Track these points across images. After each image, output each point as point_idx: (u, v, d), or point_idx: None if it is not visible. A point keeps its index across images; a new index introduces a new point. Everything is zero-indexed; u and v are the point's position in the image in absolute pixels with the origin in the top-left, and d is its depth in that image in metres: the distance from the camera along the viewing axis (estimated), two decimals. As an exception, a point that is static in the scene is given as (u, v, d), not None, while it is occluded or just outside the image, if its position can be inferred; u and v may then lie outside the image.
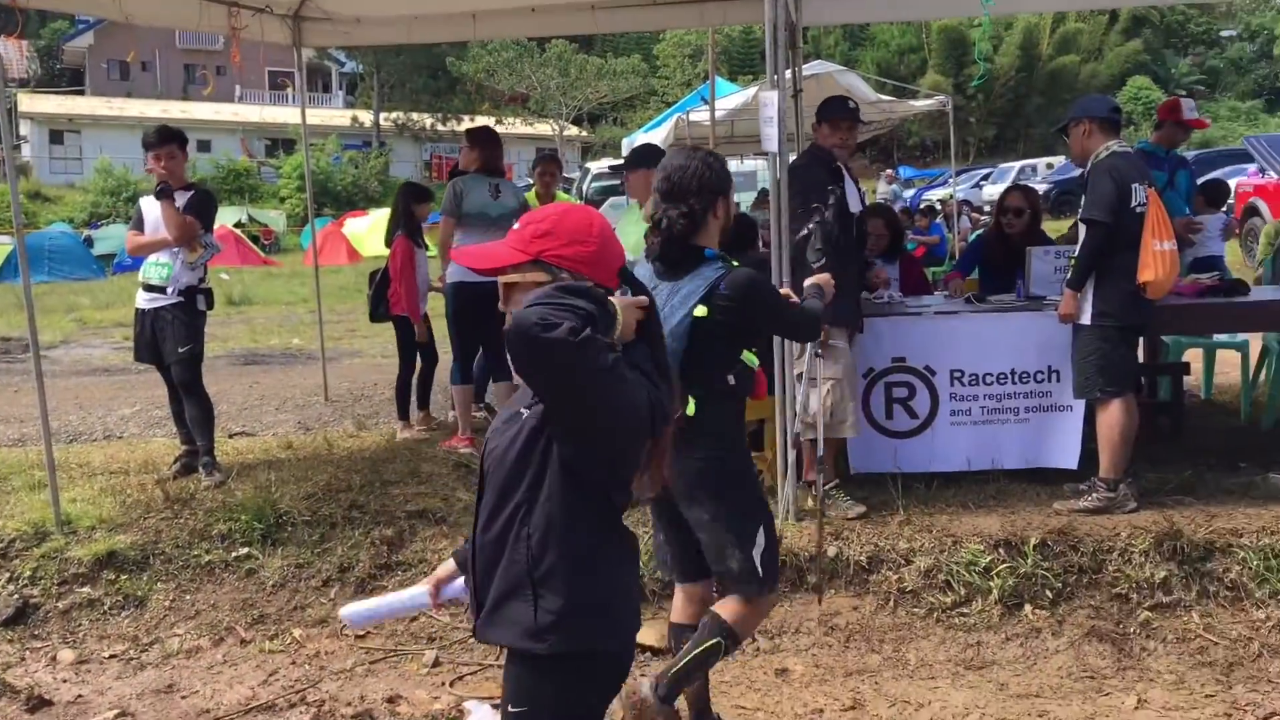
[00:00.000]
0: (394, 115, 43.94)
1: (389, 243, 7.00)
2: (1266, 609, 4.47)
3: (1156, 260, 4.79)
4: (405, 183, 7.80)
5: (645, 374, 2.14)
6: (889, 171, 24.55)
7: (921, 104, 16.67)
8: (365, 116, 45.59)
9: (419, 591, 2.53)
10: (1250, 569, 4.56)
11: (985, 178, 32.07)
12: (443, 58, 42.41)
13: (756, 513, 3.31)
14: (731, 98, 14.56)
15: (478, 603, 2.24)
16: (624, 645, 2.30)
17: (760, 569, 3.24)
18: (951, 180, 22.10)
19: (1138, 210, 4.84)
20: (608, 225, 2.26)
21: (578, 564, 2.14)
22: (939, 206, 17.94)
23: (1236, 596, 4.54)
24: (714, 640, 3.25)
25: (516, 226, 2.23)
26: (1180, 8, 47.93)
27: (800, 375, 5.15)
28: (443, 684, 4.31)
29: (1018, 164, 32.59)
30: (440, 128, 42.11)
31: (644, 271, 3.31)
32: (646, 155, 6.00)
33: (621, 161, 20.44)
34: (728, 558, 3.24)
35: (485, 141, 6.65)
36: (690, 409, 3.10)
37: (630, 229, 5.65)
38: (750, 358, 3.24)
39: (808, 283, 3.67)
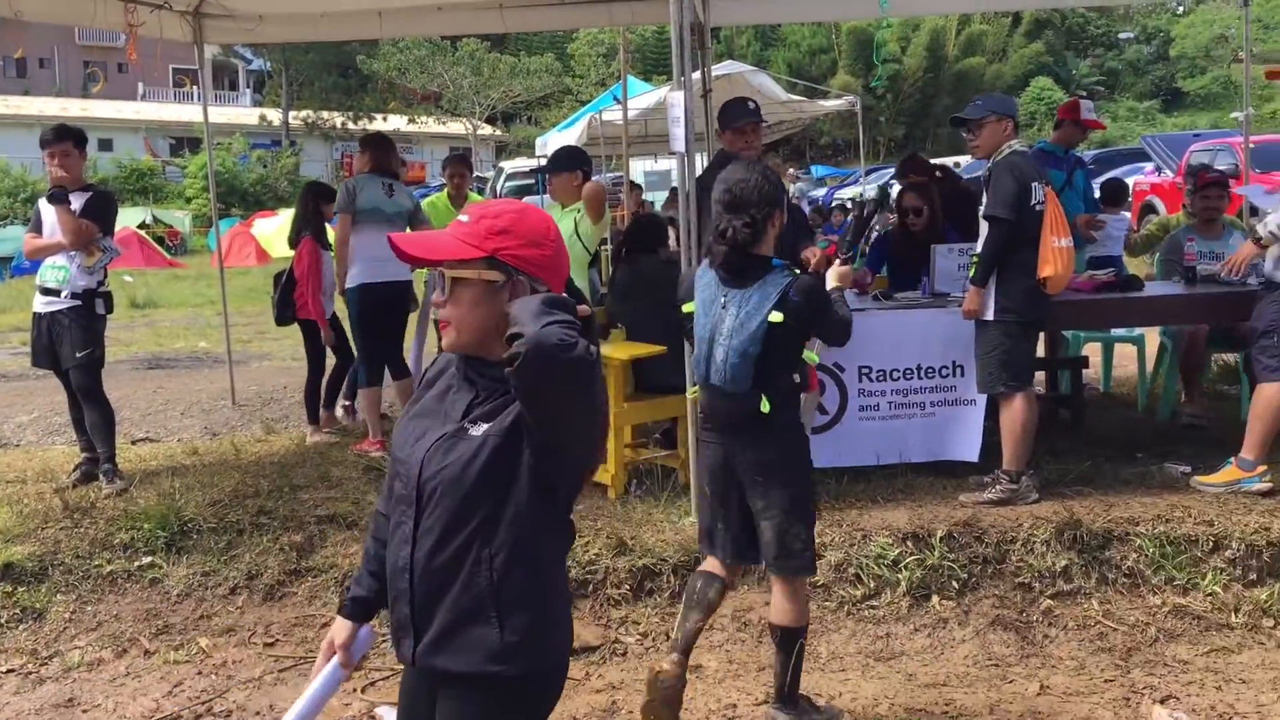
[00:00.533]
0: (303, 114, 43.21)
1: (294, 244, 6.89)
2: (1162, 595, 4.62)
3: (1055, 256, 4.93)
4: (310, 182, 7.69)
5: None
6: (790, 170, 24.79)
7: (831, 104, 16.90)
8: (274, 115, 44.75)
9: (331, 669, 2.29)
10: (1147, 556, 4.70)
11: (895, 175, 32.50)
12: (353, 56, 41.83)
13: (812, 500, 3.68)
14: (644, 97, 14.58)
15: (415, 630, 2.09)
16: (568, 659, 2.24)
17: (813, 552, 3.62)
18: (862, 179, 22.42)
19: (1037, 208, 4.97)
20: (560, 230, 2.19)
21: (543, 580, 2.07)
22: (849, 205, 18.18)
23: (1134, 583, 4.68)
24: (798, 644, 3.63)
25: (465, 219, 2.10)
26: (1080, 11, 49.24)
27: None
28: (354, 690, 4.26)
29: (933, 162, 33.11)
30: (351, 126, 41.52)
31: (708, 278, 3.51)
32: (570, 158, 6.02)
33: (536, 161, 20.38)
34: (791, 540, 3.50)
35: (376, 145, 6.64)
36: (765, 407, 3.40)
37: None
38: (811, 356, 3.65)
39: (832, 286, 3.72)
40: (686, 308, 3.63)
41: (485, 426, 2.04)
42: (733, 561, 3.73)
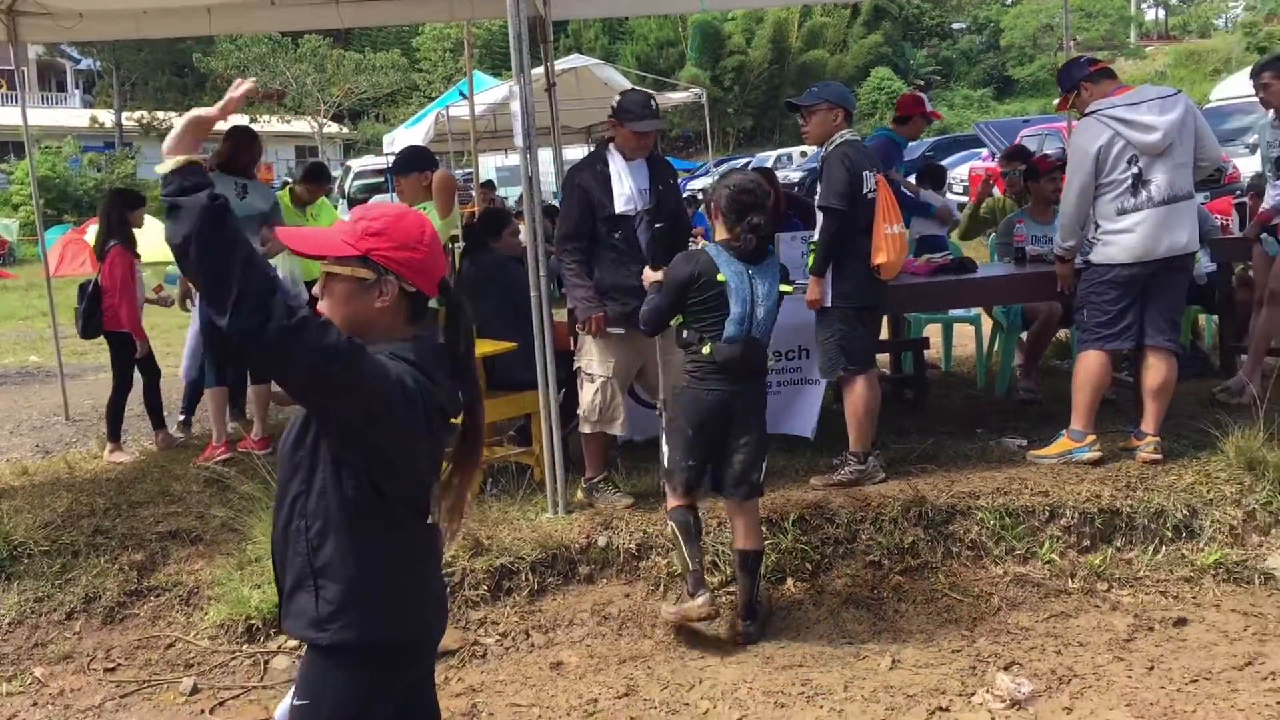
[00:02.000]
0: (138, 115, 41.43)
1: (101, 255, 6.52)
2: (1004, 565, 4.80)
3: (888, 243, 5.06)
4: (114, 189, 7.35)
5: (423, 370, 2.13)
6: None
7: (678, 96, 17.06)
8: (106, 116, 42.79)
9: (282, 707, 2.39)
10: (988, 528, 4.88)
11: (744, 165, 33.08)
12: (189, 53, 40.31)
13: None
14: (492, 91, 14.46)
15: (280, 595, 2.27)
16: (417, 638, 2.31)
17: None
18: (712, 170, 22.69)
19: (869, 196, 5.09)
20: (437, 235, 2.28)
21: (357, 557, 2.14)
22: (700, 197, 18.36)
23: (977, 555, 4.86)
24: (760, 563, 4.45)
25: (348, 218, 2.25)
26: (915, 2, 50.82)
27: (577, 369, 5.20)
28: (202, 712, 4.11)
29: (774, 153, 33.79)
30: (189, 127, 39.91)
31: (724, 257, 4.24)
32: (417, 159, 5.91)
33: (385, 159, 20.00)
34: (754, 469, 4.32)
35: (237, 140, 6.38)
36: (771, 361, 4.67)
37: None
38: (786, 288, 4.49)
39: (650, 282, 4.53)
40: (720, 277, 4.21)
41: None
42: (707, 493, 4.47)
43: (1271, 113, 6.32)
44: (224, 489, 5.43)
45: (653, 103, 5.21)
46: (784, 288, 4.34)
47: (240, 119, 30.60)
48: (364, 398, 2.02)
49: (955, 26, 55.18)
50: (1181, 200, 5.17)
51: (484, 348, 5.50)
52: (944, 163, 13.24)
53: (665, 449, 4.45)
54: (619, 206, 5.07)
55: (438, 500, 2.30)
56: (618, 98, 5.27)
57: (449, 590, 4.65)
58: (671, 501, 4.40)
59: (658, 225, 4.87)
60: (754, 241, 4.25)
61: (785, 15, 45.78)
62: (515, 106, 4.74)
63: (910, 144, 7.93)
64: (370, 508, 2.14)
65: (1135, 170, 5.12)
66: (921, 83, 49.90)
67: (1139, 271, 5.18)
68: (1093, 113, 5.23)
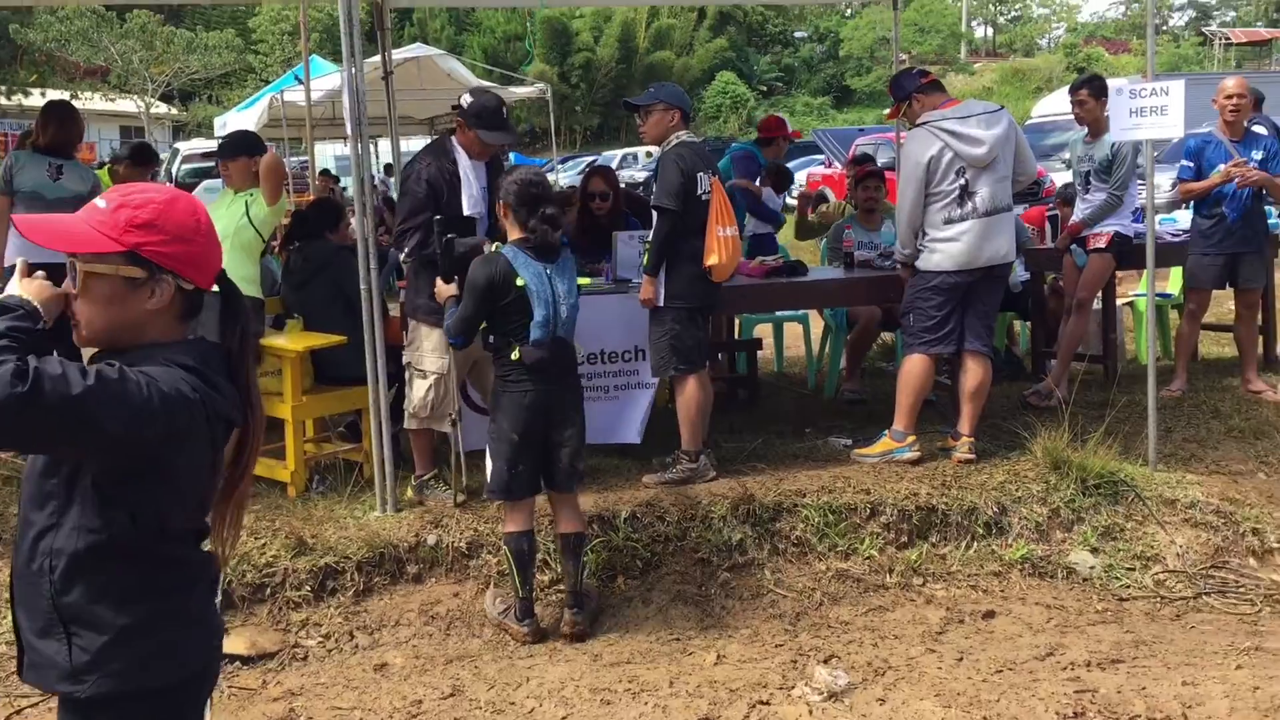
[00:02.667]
0: (-54, 87, 38.84)
1: None
2: (826, 561, 4.93)
3: (720, 245, 5.13)
4: None
5: (204, 376, 1.86)
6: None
7: (522, 91, 16.94)
8: (-91, 87, 39.98)
9: None
10: (813, 525, 5.00)
11: (590, 164, 33.16)
12: (4, 24, 37.98)
13: None
14: (330, 77, 14.02)
15: (19, 640, 1.93)
16: (193, 673, 2.00)
17: None
18: (557, 167, 22.67)
19: (703, 198, 5.16)
20: (211, 220, 1.99)
21: (120, 598, 1.86)
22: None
23: (802, 551, 4.97)
24: (585, 546, 4.52)
25: (103, 204, 1.89)
26: (759, 9, 51.80)
27: (408, 365, 5.09)
28: (-4, 723, 3.87)
29: (620, 151, 33.95)
30: (4, 102, 37.71)
31: (522, 258, 4.19)
32: (245, 143, 5.68)
33: (215, 143, 19.25)
34: (579, 459, 4.43)
35: (55, 118, 6.04)
36: (581, 353, 4.65)
37: (222, 213, 5.33)
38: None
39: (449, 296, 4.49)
40: (519, 282, 4.17)
41: None
42: (530, 495, 4.39)
43: (1085, 129, 6.68)
44: (12, 481, 5.13)
45: (504, 109, 5.05)
46: (582, 281, 4.40)
47: (61, 95, 28.89)
48: (140, 431, 1.73)
49: (797, 35, 56.53)
50: (1003, 212, 5.41)
51: (311, 341, 5.36)
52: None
53: (490, 463, 4.39)
54: (467, 208, 4.95)
55: (214, 521, 2.04)
56: (467, 97, 5.03)
57: (268, 591, 4.51)
58: (509, 524, 4.37)
59: (448, 236, 4.55)
60: (549, 234, 4.23)
61: (633, 15, 46.06)
62: (345, 95, 4.62)
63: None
64: (142, 543, 1.87)
65: (962, 181, 5.32)
66: (764, 88, 51.00)
67: (962, 279, 5.40)
68: (924, 124, 5.41)
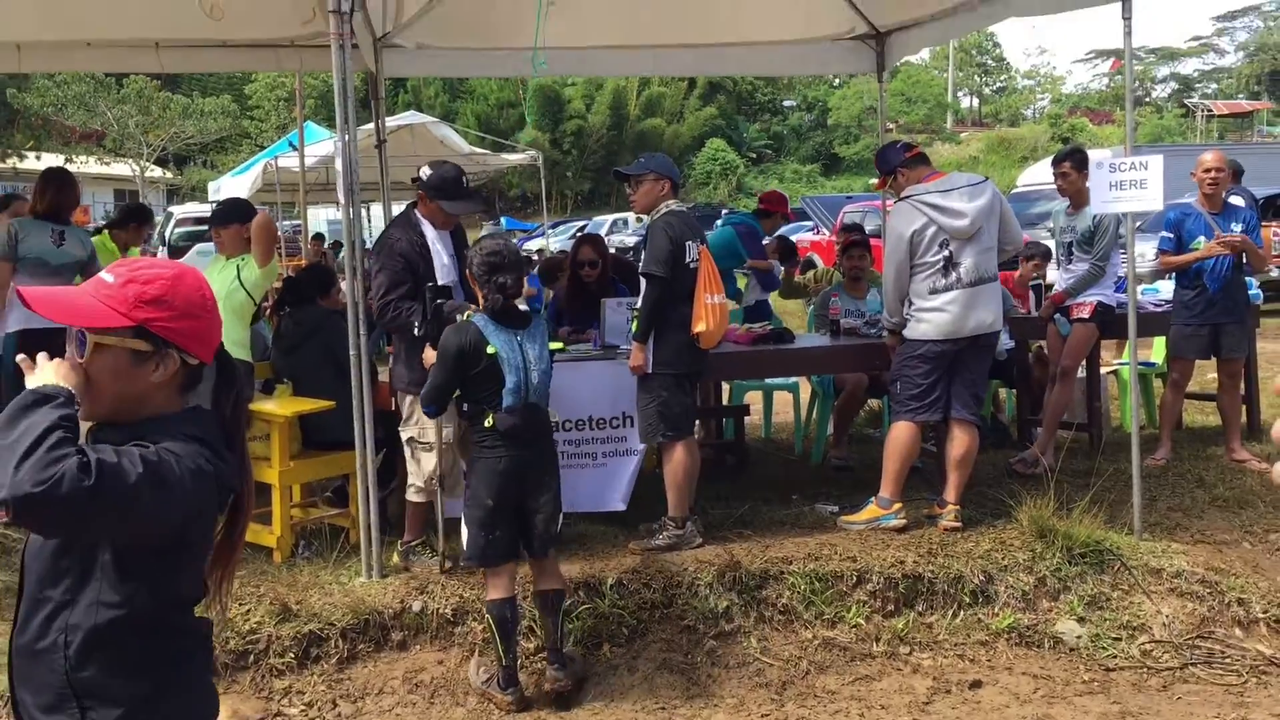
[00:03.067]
0: (-58, 148, 39.04)
1: None
2: (813, 629, 4.91)
3: (708, 312, 5.18)
4: None
5: (211, 446, 1.91)
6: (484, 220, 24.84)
7: (514, 158, 17.16)
8: (-93, 149, 40.16)
9: None
10: (799, 593, 4.99)
11: (582, 229, 33.44)
12: (2, 88, 38.35)
13: None
14: (324, 144, 14.22)
15: (18, 718, 1.93)
16: None
17: None
18: (548, 232, 22.85)
19: (691, 265, 5.22)
20: (214, 296, 2.05)
21: (133, 667, 1.88)
22: (535, 257, 18.44)
23: (788, 619, 4.95)
24: (563, 603, 4.48)
25: (110, 279, 1.92)
26: (748, 79, 52.62)
27: (410, 440, 5.08)
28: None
29: (610, 217, 34.24)
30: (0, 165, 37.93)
31: (492, 327, 4.24)
32: (237, 211, 5.75)
33: (210, 207, 19.40)
34: (556, 523, 4.42)
35: (55, 184, 6.12)
36: (556, 416, 4.73)
37: (214, 278, 5.38)
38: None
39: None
40: (490, 350, 4.21)
41: None
42: (515, 556, 4.40)
43: (1067, 200, 6.79)
44: (9, 553, 5.11)
45: (465, 179, 5.15)
46: (554, 345, 4.40)
47: (56, 159, 28.99)
48: (178, 513, 1.80)
49: (786, 104, 57.39)
50: (988, 282, 5.48)
51: (300, 406, 5.37)
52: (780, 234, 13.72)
53: (466, 532, 4.39)
54: (440, 278, 5.01)
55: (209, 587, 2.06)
56: (427, 170, 5.12)
57: (251, 658, 4.48)
58: (490, 592, 4.35)
59: (438, 302, 4.66)
60: (500, 301, 4.27)
61: (624, 84, 46.76)
62: (338, 163, 4.68)
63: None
64: (159, 615, 1.90)
65: (946, 253, 5.40)
66: (754, 155, 51.59)
67: (948, 348, 5.45)
68: (908, 198, 5.50)
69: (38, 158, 37.18)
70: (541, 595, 4.44)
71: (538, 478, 4.36)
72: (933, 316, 5.43)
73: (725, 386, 7.64)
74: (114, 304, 1.89)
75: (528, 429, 4.30)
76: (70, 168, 35.33)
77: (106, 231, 7.62)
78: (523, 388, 4.27)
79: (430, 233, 5.06)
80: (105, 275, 1.95)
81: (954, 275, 5.40)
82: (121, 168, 40.85)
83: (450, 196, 5.04)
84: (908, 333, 5.54)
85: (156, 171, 42.85)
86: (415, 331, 4.76)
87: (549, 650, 4.41)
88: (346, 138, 4.84)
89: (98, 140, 40.47)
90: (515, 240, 29.13)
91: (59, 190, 6.05)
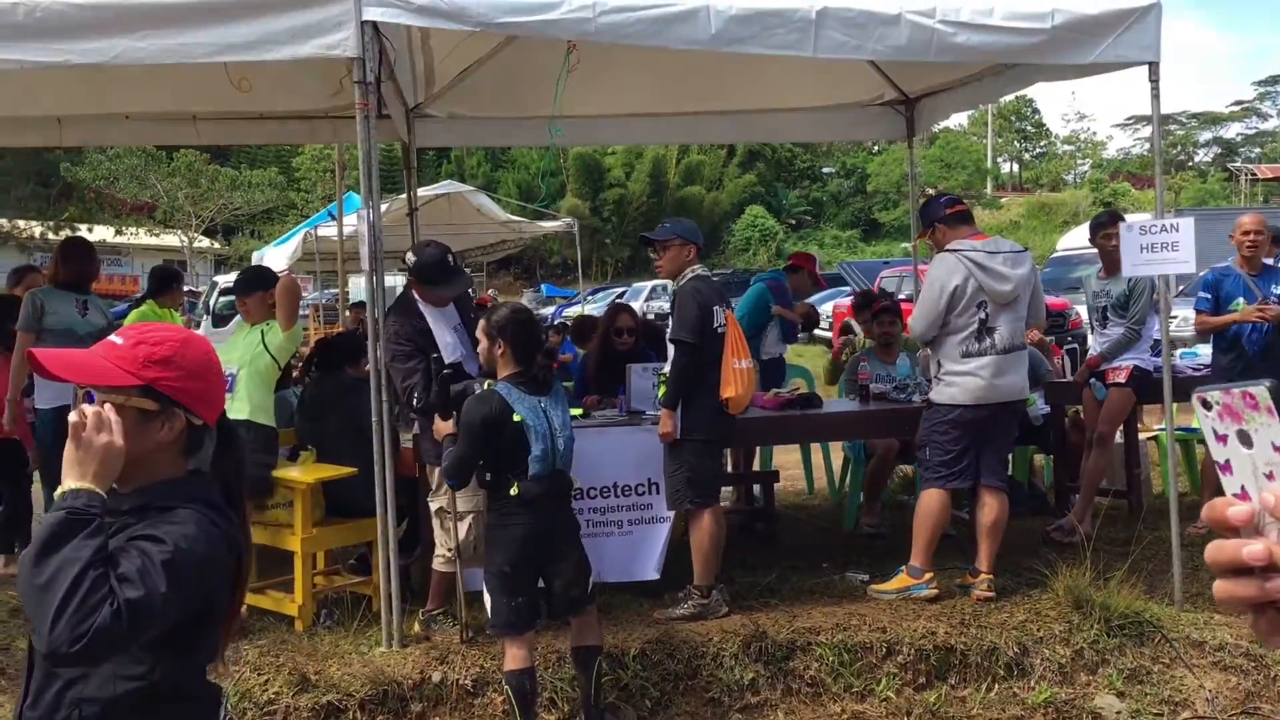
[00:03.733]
0: (-2, 222, 40.01)
1: None
2: (841, 702, 4.78)
3: (736, 377, 5.14)
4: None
5: (212, 505, 1.95)
6: (491, 291, 24.86)
7: (550, 225, 17.30)
8: (-35, 224, 41.19)
9: None
10: (827, 665, 4.87)
11: (620, 296, 33.55)
12: (56, 162, 39.37)
13: None
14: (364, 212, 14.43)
15: None
16: None
17: None
18: (586, 299, 22.97)
19: (719, 330, 5.19)
20: (219, 361, 2.12)
21: None
22: (568, 324, 18.50)
23: (816, 692, 4.83)
24: (598, 660, 4.40)
25: (120, 341, 1.98)
26: (788, 145, 52.99)
27: (440, 510, 5.05)
28: None
29: (649, 283, 34.33)
30: (52, 236, 38.81)
31: (515, 394, 4.18)
32: (260, 278, 5.83)
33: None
34: (586, 581, 4.33)
35: (76, 255, 6.21)
36: (576, 482, 4.50)
37: (239, 344, 5.50)
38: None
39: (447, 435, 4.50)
40: (516, 418, 4.15)
41: None
42: (539, 622, 4.38)
43: (1099, 265, 6.70)
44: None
45: (450, 257, 5.19)
46: (575, 411, 4.34)
47: (108, 231, 29.51)
48: (204, 597, 1.88)
49: (825, 171, 57.65)
50: (1019, 349, 5.40)
51: (323, 473, 5.36)
52: (812, 299, 13.71)
53: (489, 600, 4.30)
54: (448, 357, 5.01)
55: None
56: (411, 256, 5.17)
57: (270, 730, 4.42)
58: (509, 662, 4.25)
59: (444, 372, 4.65)
60: (548, 368, 4.33)
61: (664, 152, 47.22)
62: (363, 229, 4.72)
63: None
64: (176, 684, 1.92)
65: (983, 315, 5.31)
66: (793, 221, 51.75)
67: (978, 414, 5.36)
68: (954, 251, 5.41)
69: (89, 230, 38.10)
70: (575, 651, 4.39)
71: (556, 544, 4.30)
72: (964, 381, 5.34)
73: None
74: (124, 364, 1.94)
75: (550, 497, 4.25)
76: (120, 240, 35.96)
77: (150, 301, 7.74)
78: (549, 455, 4.21)
79: (430, 313, 5.09)
80: (114, 338, 2.01)
81: (988, 341, 5.31)
82: (171, 239, 41.69)
83: (435, 281, 5.09)
84: (936, 397, 5.46)
85: (205, 242, 43.66)
86: (414, 403, 4.80)
87: (585, 708, 4.35)
88: (371, 206, 4.87)
89: (148, 212, 41.39)
90: (557, 306, 29.27)
91: (81, 260, 6.15)
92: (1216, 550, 0.94)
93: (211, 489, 2.00)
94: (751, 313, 7.32)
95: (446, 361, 4.88)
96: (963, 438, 5.38)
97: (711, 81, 7.13)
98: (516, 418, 4.17)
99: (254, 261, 19.56)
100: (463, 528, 4.97)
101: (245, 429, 5.25)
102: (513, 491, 4.18)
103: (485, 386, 4.33)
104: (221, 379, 2.11)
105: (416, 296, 5.14)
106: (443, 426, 4.50)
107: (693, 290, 5.23)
